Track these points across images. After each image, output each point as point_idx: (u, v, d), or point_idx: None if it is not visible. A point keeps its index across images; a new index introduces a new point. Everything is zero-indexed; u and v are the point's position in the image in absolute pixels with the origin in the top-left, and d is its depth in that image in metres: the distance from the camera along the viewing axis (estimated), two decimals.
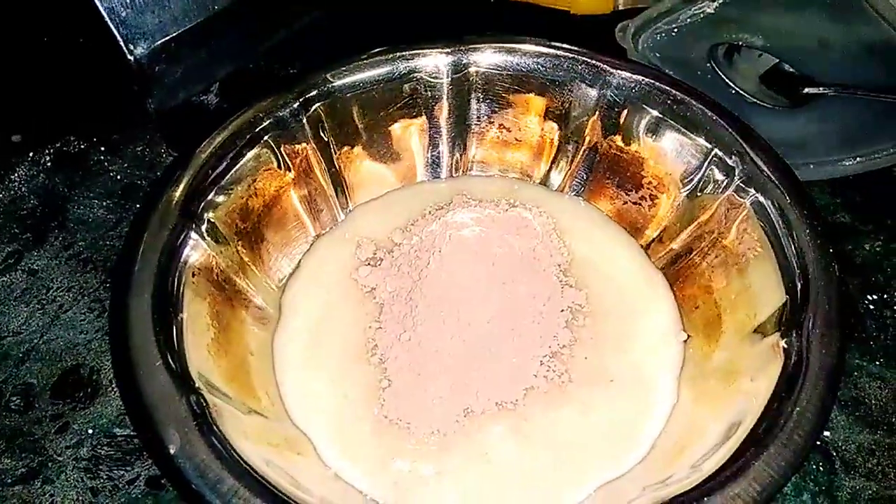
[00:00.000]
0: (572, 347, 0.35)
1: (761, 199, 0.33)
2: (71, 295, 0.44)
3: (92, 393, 0.40)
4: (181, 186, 0.33)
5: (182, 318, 0.30)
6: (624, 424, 0.33)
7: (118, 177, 0.49)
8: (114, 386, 0.40)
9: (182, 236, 0.32)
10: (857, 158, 0.47)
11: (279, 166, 0.37)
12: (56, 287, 0.44)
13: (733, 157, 0.34)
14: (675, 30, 0.59)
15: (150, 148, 0.50)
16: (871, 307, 0.43)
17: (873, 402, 0.39)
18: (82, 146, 0.51)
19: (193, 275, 0.32)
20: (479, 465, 0.32)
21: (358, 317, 0.37)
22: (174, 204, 0.32)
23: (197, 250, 0.33)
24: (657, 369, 0.35)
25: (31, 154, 0.50)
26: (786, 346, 0.29)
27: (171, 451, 0.26)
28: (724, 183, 0.35)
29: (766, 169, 0.33)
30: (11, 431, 0.39)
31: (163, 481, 0.37)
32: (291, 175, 0.38)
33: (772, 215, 0.32)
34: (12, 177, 0.49)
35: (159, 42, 0.42)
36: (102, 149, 0.50)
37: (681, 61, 0.55)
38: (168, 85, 0.44)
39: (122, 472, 0.37)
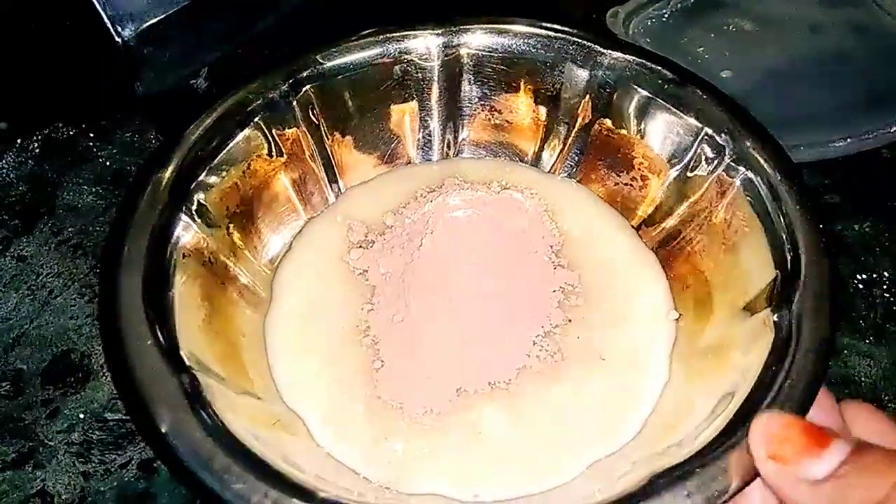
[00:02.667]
0: (565, 327, 0.35)
1: (751, 176, 0.33)
2: (61, 281, 0.44)
3: (83, 378, 0.40)
4: (171, 168, 0.33)
5: (173, 299, 0.30)
6: (616, 402, 0.33)
7: (107, 163, 0.49)
8: (105, 371, 0.40)
9: (172, 217, 0.32)
10: (847, 139, 0.47)
11: (269, 149, 0.37)
12: (46, 273, 0.44)
13: (723, 135, 0.34)
14: (666, 14, 0.59)
15: (138, 133, 0.50)
16: (861, 287, 0.43)
17: (863, 379, 0.40)
18: (70, 132, 0.50)
19: (184, 256, 0.32)
20: (473, 443, 0.32)
21: (350, 299, 0.37)
22: (164, 185, 0.32)
23: (187, 232, 0.32)
24: (649, 348, 0.35)
25: (18, 141, 0.50)
26: (776, 320, 0.29)
27: (163, 430, 0.25)
28: (715, 161, 0.35)
29: (756, 146, 0.33)
30: (2, 417, 0.38)
31: (155, 464, 0.37)
32: (282, 158, 0.38)
33: (762, 192, 0.32)
34: (0, 164, 0.49)
35: (147, 24, 0.42)
36: (91, 135, 0.50)
37: (672, 46, 0.55)
38: (156, 68, 0.44)
39: (114, 457, 0.37)
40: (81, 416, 0.39)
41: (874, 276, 0.43)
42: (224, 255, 0.35)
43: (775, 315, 0.29)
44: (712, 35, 0.57)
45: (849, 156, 0.47)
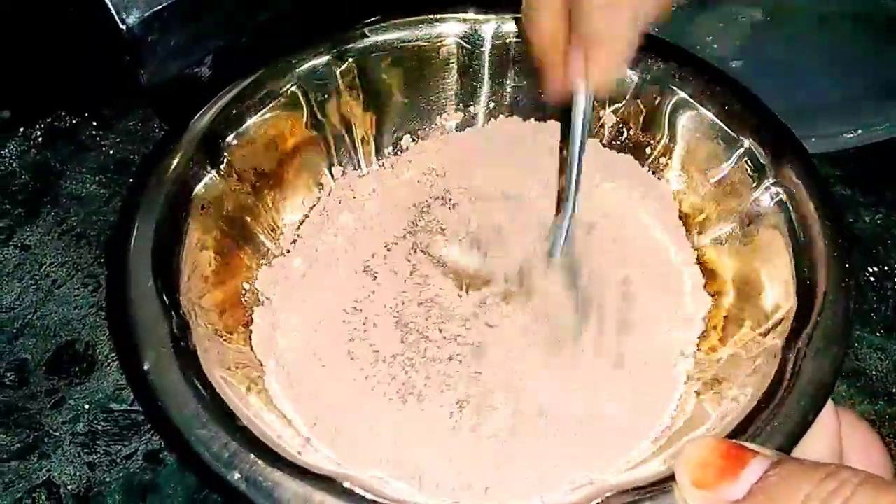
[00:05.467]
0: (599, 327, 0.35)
1: (788, 202, 0.32)
2: (64, 270, 0.43)
3: (87, 368, 0.40)
4: (204, 122, 0.33)
5: (184, 246, 0.31)
6: (632, 410, 0.32)
7: (110, 151, 0.48)
8: (110, 361, 0.40)
9: (197, 169, 0.33)
10: (859, 131, 0.46)
11: (305, 115, 0.37)
12: (49, 262, 0.44)
13: (766, 154, 0.34)
14: (674, 6, 0.58)
15: (142, 122, 0.49)
16: (872, 279, 0.43)
17: (874, 372, 0.39)
18: (73, 121, 0.50)
19: (203, 207, 0.32)
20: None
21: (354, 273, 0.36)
22: (194, 137, 0.33)
23: (210, 185, 0.33)
24: (670, 358, 0.34)
25: (21, 129, 0.49)
26: (782, 353, 0.28)
27: (145, 367, 0.26)
28: (754, 179, 0.34)
29: (796, 172, 0.33)
30: (6, 407, 0.38)
31: (161, 455, 0.37)
32: (317, 125, 0.38)
33: (795, 221, 0.32)
34: (3, 153, 0.48)
35: (151, 11, 0.41)
36: (94, 123, 0.50)
37: (680, 35, 0.55)
38: (160, 56, 0.43)
39: (119, 447, 0.37)
40: (86, 406, 0.38)
41: (886, 268, 0.43)
42: (244, 212, 0.35)
43: (783, 347, 0.28)
44: (721, 25, 0.56)
45: (860, 147, 0.46)
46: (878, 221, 0.45)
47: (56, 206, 0.46)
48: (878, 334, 0.40)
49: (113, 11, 0.40)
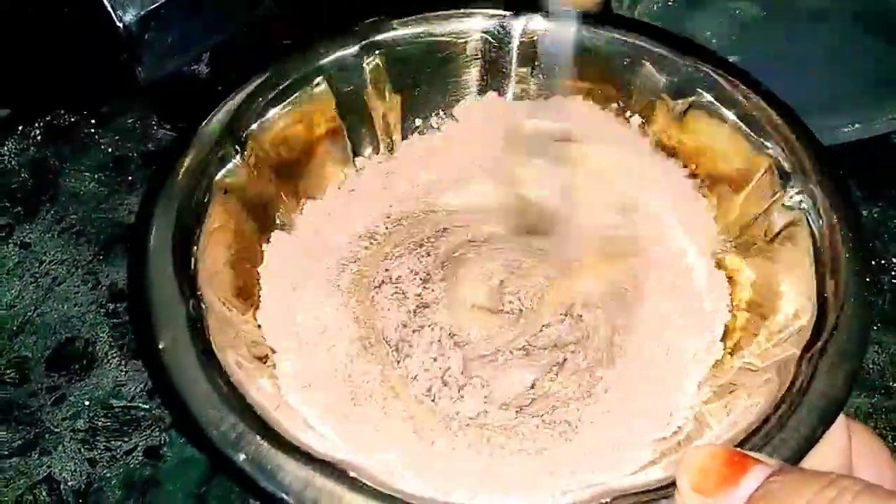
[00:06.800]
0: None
1: (811, 210, 0.32)
2: (64, 268, 0.43)
3: (87, 365, 0.40)
4: (230, 109, 0.34)
5: (205, 230, 0.31)
6: (638, 414, 0.32)
7: (109, 149, 0.49)
8: (109, 358, 0.40)
9: (221, 154, 0.33)
10: (856, 125, 0.46)
11: (331, 106, 0.37)
12: (49, 260, 0.44)
13: (791, 162, 0.33)
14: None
15: (140, 120, 0.50)
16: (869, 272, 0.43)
17: (871, 365, 0.39)
18: (72, 119, 0.50)
19: (225, 192, 0.33)
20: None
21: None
22: (220, 123, 0.33)
23: (234, 170, 0.33)
24: (682, 363, 0.34)
25: (20, 128, 0.49)
26: (796, 365, 0.28)
27: (160, 347, 0.27)
28: (778, 186, 0.33)
29: (821, 181, 0.32)
30: (6, 404, 0.38)
31: (161, 451, 0.37)
32: (342, 116, 0.38)
33: (818, 230, 0.31)
34: (2, 151, 0.49)
35: (148, 9, 0.41)
36: (92, 121, 0.50)
37: (677, 31, 0.55)
38: (157, 53, 0.43)
39: (119, 443, 0.37)
40: (87, 402, 0.39)
41: (882, 262, 0.43)
42: (265, 199, 0.35)
43: (799, 360, 0.28)
44: (719, 20, 0.56)
45: (857, 141, 0.47)
46: (875, 215, 0.45)
47: (55, 204, 0.46)
48: (874, 328, 0.40)
49: (110, 9, 0.40)
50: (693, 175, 0.38)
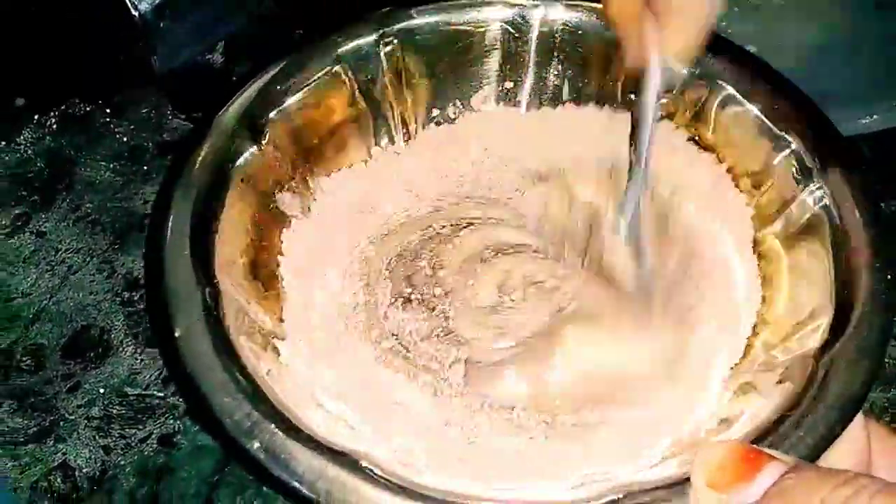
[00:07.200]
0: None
1: (833, 207, 0.31)
2: (80, 256, 0.44)
3: (103, 353, 0.40)
4: (247, 97, 0.34)
5: (223, 218, 0.31)
6: (660, 409, 0.31)
7: (124, 138, 0.49)
8: (124, 346, 0.40)
9: (239, 143, 0.33)
10: (875, 116, 0.46)
11: (348, 94, 0.37)
12: (65, 249, 0.44)
13: (813, 157, 0.33)
14: None
15: (155, 109, 0.50)
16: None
17: (888, 359, 0.39)
18: (87, 108, 0.50)
19: (242, 180, 0.33)
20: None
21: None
22: (238, 112, 0.33)
23: (251, 158, 0.33)
24: (708, 359, 0.33)
25: (36, 117, 0.50)
26: (812, 364, 0.27)
27: (176, 334, 0.27)
28: (799, 181, 0.33)
29: (844, 177, 0.32)
30: (23, 391, 0.39)
31: (175, 439, 0.37)
32: (359, 104, 0.38)
33: (839, 227, 0.31)
34: (18, 140, 0.49)
35: None
36: (108, 110, 0.50)
37: None
38: (172, 42, 0.43)
39: (134, 431, 0.38)
40: (102, 390, 0.39)
41: None
42: (284, 187, 0.35)
43: (818, 358, 0.28)
44: (736, 9, 0.55)
45: (876, 132, 0.46)
46: (893, 208, 0.44)
47: (71, 193, 0.46)
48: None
49: None
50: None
